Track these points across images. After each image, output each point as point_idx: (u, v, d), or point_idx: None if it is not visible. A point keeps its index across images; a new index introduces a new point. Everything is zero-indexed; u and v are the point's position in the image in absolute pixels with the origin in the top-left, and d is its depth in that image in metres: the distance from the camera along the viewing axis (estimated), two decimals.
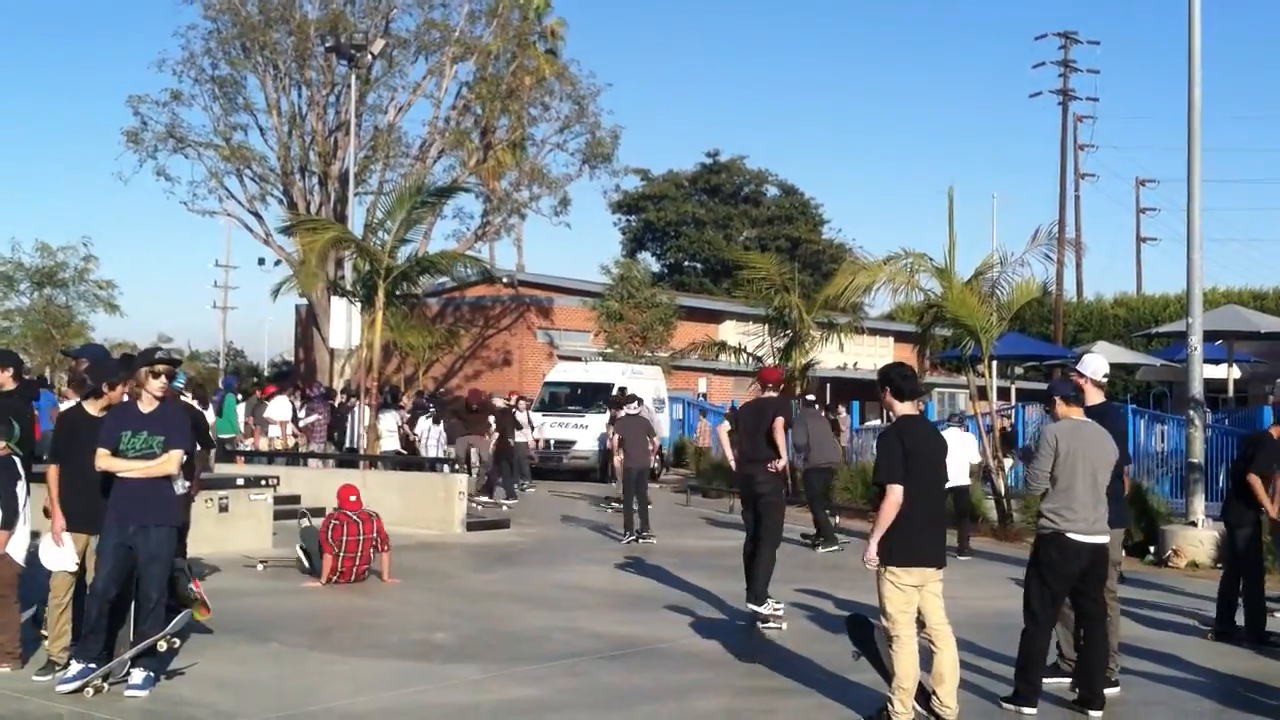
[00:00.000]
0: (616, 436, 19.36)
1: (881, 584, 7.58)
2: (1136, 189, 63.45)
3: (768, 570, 11.16)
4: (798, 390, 23.32)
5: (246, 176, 38.73)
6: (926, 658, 7.68)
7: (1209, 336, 22.18)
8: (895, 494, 7.48)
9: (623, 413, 19.80)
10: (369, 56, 33.79)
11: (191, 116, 39.46)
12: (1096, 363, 9.29)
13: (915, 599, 7.58)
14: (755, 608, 11.03)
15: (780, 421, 11.48)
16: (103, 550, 8.11)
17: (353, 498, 13.23)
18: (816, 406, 21.28)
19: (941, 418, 29.73)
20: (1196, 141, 18.43)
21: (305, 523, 14.21)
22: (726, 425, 14.27)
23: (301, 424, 23.73)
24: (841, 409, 28.55)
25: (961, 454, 16.88)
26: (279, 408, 23.42)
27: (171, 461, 8.18)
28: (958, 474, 16.66)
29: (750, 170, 64.37)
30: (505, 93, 39.59)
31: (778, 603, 11.18)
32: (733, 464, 12.22)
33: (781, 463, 11.42)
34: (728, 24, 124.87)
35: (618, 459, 19.01)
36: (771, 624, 10.97)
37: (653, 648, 10.09)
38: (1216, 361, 25.55)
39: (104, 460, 8.09)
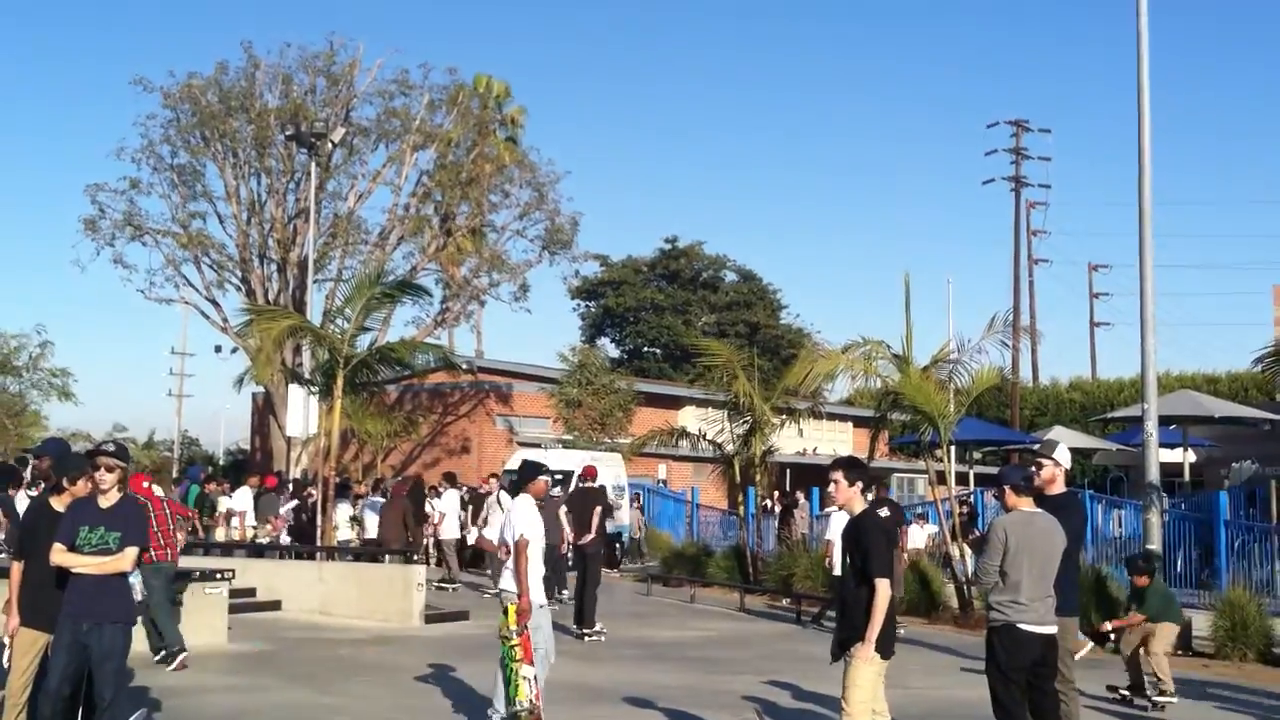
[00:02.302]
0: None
1: (860, 675, 7.57)
2: (1089, 274, 64.32)
3: (594, 604, 16.77)
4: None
5: (204, 264, 38.61)
6: None
7: (1164, 421, 22.40)
8: (887, 587, 7.53)
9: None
10: (329, 145, 33.93)
11: (149, 204, 39.24)
12: (1065, 452, 9.36)
13: None
14: (586, 631, 16.45)
15: (599, 509, 17.54)
16: (56, 648, 7.98)
17: (145, 484, 13.02)
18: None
19: (904, 505, 29.74)
20: (1148, 228, 18.77)
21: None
22: (564, 508, 19.39)
23: (282, 510, 23.80)
24: (800, 495, 28.54)
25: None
26: (241, 498, 23.31)
27: (126, 559, 8.07)
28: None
29: (708, 256, 64.75)
30: (465, 180, 39.78)
31: (601, 627, 16.56)
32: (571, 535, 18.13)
33: (589, 537, 17.18)
34: (686, 111, 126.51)
35: None
36: (595, 637, 16.34)
37: None
38: (1172, 446, 25.78)
39: (58, 555, 7.98)
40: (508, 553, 10.09)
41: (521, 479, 10.75)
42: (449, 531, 23.83)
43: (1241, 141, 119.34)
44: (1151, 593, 13.02)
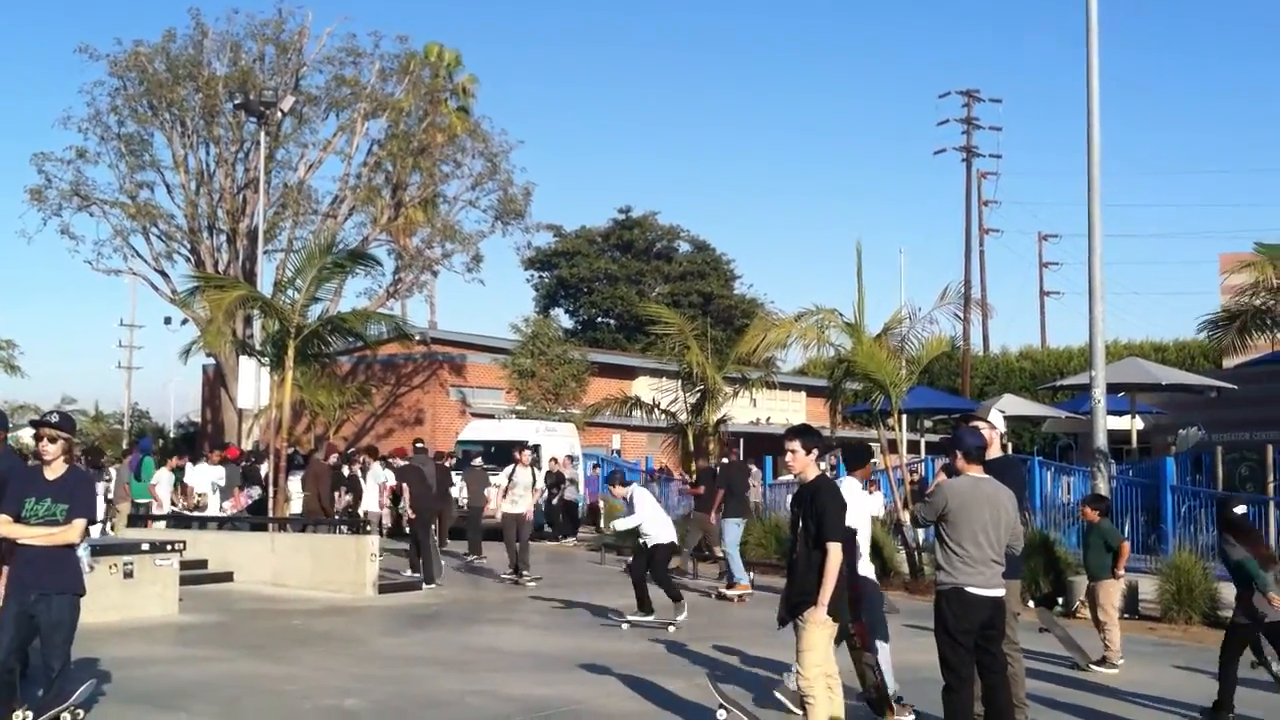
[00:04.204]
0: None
1: (814, 638, 7.64)
2: (1039, 244, 64.82)
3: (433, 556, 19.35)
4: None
5: (153, 234, 38.23)
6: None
7: (1112, 389, 22.61)
8: (839, 551, 7.61)
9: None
10: (278, 114, 33.60)
11: (97, 174, 39.06)
12: (998, 415, 9.41)
13: None
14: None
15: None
16: (3, 619, 7.90)
17: None
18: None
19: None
20: (1097, 198, 18.90)
21: None
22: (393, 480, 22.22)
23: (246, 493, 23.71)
24: (753, 466, 28.66)
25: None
26: (219, 474, 23.24)
27: (74, 530, 8.01)
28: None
29: (662, 226, 64.73)
30: (417, 149, 39.53)
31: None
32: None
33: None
34: (639, 82, 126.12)
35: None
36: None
37: (569, 709, 10.02)
38: (1120, 413, 26.03)
39: (5, 527, 7.91)
40: None
41: (850, 462, 10.37)
42: (370, 503, 23.67)
43: (1188, 111, 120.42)
44: (1095, 534, 13.13)
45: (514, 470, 20.87)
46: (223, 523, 21.74)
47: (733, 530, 18.88)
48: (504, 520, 20.71)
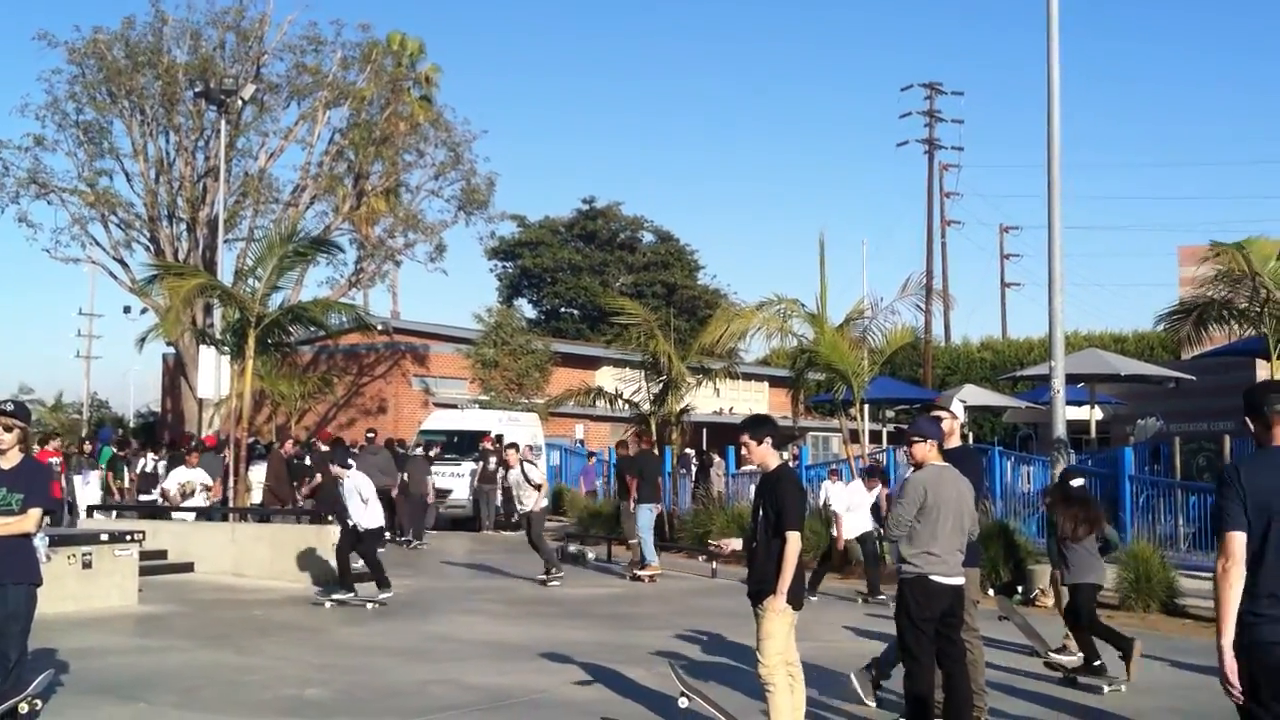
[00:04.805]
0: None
1: (773, 626, 7.66)
2: (1000, 235, 65.05)
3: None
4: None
5: (112, 223, 37.88)
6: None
7: (1072, 379, 22.77)
8: (798, 540, 7.63)
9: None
10: (239, 102, 33.34)
11: (55, 162, 38.70)
12: (959, 405, 9.47)
13: None
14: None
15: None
16: None
17: None
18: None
19: (819, 462, 30.09)
20: (1056, 190, 19.00)
21: None
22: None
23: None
24: (715, 456, 28.70)
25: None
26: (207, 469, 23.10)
27: (30, 520, 7.94)
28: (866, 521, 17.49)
29: (626, 217, 64.62)
30: (379, 138, 39.34)
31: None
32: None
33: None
34: (602, 74, 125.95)
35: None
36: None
37: (530, 699, 10.02)
38: (1079, 403, 26.22)
39: None
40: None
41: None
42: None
43: (1149, 105, 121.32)
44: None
45: (506, 474, 21.27)
46: (199, 514, 21.57)
47: (645, 514, 19.62)
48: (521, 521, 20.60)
